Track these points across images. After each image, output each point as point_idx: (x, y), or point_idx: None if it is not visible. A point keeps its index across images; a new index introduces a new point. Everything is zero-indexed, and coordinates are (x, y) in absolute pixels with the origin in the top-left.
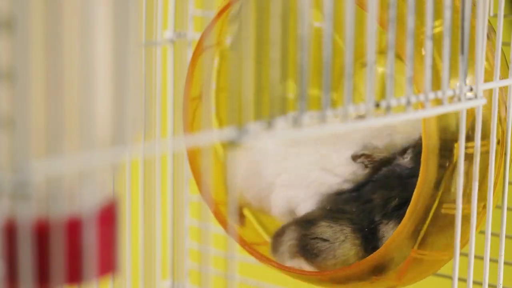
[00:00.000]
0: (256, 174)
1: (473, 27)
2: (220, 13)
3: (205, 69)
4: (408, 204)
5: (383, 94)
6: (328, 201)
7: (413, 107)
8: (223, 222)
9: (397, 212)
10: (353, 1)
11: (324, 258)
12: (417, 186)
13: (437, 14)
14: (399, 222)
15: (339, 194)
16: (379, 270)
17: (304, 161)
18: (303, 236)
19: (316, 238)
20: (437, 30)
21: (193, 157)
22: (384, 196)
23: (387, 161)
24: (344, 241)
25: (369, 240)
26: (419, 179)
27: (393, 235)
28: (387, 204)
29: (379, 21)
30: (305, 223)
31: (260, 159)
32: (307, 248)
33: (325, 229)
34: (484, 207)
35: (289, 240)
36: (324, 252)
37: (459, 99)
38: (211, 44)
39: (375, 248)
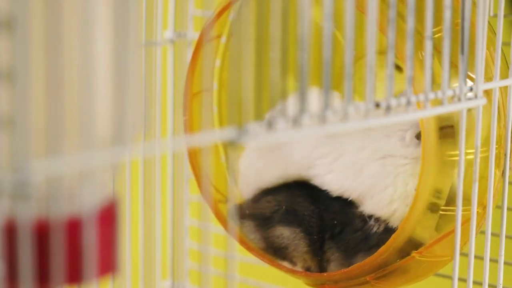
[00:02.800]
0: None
1: (473, 27)
2: (220, 13)
3: (205, 66)
4: (346, 230)
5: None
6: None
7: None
8: (223, 222)
9: (339, 236)
10: (353, 2)
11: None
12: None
13: (438, 21)
14: (340, 244)
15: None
16: (378, 271)
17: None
18: (265, 238)
19: (277, 237)
20: (437, 35)
21: (193, 157)
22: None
23: None
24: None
25: (316, 253)
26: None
27: (391, 239)
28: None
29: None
30: (263, 223)
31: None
32: (273, 246)
33: (282, 231)
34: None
35: (253, 238)
36: (288, 247)
37: (459, 99)
38: (211, 39)
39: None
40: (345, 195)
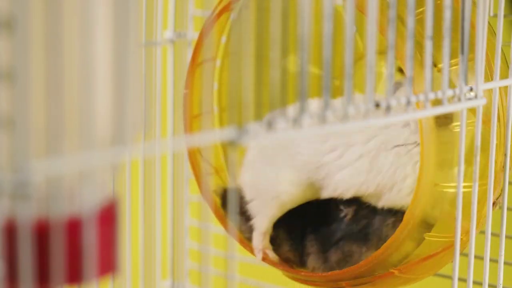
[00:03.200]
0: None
1: (473, 27)
2: (219, 13)
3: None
4: (324, 223)
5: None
6: None
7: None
8: (223, 222)
9: (319, 229)
10: (353, 1)
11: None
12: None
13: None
14: (318, 237)
15: None
16: (356, 280)
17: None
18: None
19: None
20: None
21: (193, 157)
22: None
23: None
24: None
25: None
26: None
27: (390, 239)
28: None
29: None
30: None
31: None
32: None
33: None
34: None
35: (242, 229)
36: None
37: (459, 99)
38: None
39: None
40: (360, 192)
